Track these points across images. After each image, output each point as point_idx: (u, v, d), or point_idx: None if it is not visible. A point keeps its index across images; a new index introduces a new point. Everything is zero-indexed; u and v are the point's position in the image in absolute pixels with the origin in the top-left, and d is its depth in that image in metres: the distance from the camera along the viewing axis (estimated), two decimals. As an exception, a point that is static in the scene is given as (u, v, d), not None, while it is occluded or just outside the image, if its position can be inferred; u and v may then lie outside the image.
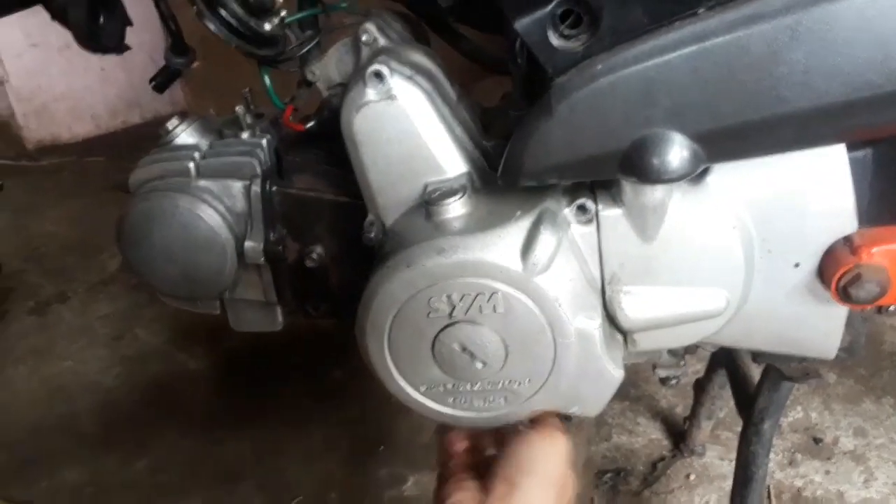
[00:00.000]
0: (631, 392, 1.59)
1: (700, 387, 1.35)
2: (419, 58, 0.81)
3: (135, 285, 2.03)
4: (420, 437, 1.51)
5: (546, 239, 0.71)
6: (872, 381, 1.58)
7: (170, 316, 1.89)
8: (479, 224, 0.73)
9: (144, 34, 2.92)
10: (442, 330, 0.75)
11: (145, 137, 0.97)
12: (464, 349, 0.76)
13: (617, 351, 0.81)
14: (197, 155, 0.91)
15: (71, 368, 1.74)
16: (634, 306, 0.78)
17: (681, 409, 1.54)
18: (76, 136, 3.36)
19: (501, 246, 0.71)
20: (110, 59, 3.20)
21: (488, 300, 0.73)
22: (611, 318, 0.80)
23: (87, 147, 3.18)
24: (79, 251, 2.21)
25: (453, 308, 0.74)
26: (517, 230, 0.72)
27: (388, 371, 0.80)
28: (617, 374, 0.78)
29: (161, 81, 1.09)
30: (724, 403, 1.42)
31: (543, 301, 0.72)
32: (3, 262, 2.03)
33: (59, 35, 3.30)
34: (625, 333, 0.82)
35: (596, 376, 0.78)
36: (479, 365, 0.76)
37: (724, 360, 1.20)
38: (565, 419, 0.85)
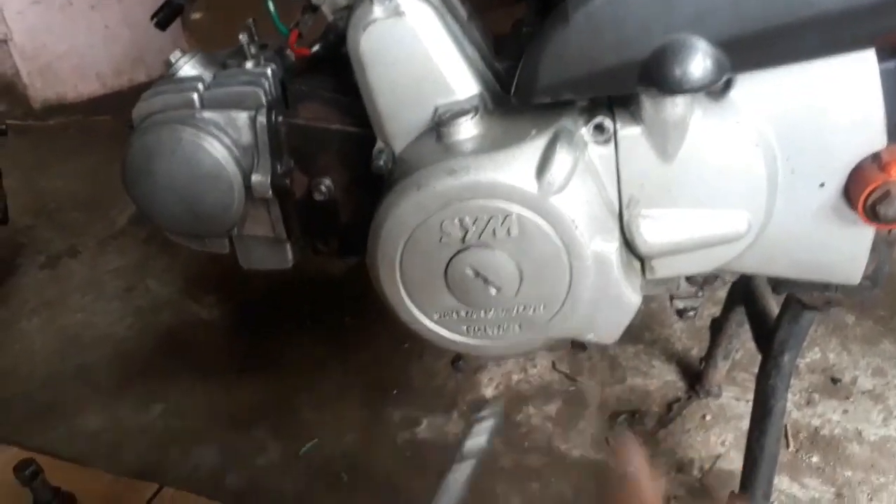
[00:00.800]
0: (646, 335, 1.57)
1: (717, 326, 1.33)
2: (427, -26, 0.78)
3: (144, 239, 2.02)
4: (433, 382, 1.50)
5: (562, 157, 0.68)
6: (892, 322, 1.55)
7: (181, 267, 1.88)
8: (492, 144, 0.71)
9: (149, -9, 2.88)
10: (455, 255, 0.73)
11: None
12: (477, 275, 0.74)
13: (634, 277, 0.79)
14: (200, 86, 0.89)
15: (83, 320, 1.74)
16: (653, 230, 0.76)
17: (696, 351, 1.52)
18: (82, 95, 3.33)
19: (515, 165, 0.69)
20: (114, 17, 3.15)
21: (502, 223, 0.71)
22: (628, 244, 0.78)
23: (93, 106, 3.15)
24: (88, 206, 2.20)
25: (466, 232, 0.72)
26: (532, 149, 0.69)
27: (401, 299, 0.78)
28: (634, 300, 0.77)
29: (163, 17, 1.06)
30: (740, 344, 1.40)
31: (559, 223, 0.70)
32: (13, 219, 2.03)
33: (60, -9, 3.22)
34: (642, 260, 0.80)
35: (613, 302, 0.76)
36: (493, 291, 0.75)
37: (743, 295, 1.18)
38: (581, 347, 0.83)
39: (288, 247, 0.98)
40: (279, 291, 1.75)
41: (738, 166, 0.73)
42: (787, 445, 1.31)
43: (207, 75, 0.91)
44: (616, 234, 0.74)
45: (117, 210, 2.16)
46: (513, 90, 0.70)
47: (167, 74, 0.93)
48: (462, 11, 0.80)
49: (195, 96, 0.88)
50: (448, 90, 0.75)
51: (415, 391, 1.49)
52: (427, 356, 1.56)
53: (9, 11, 2.97)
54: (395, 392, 1.49)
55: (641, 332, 1.58)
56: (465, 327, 0.79)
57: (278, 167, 0.89)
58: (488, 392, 1.48)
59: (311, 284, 1.76)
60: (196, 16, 2.41)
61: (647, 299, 1.85)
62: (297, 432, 1.41)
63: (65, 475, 1.25)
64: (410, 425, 1.42)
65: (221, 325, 1.69)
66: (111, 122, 2.94)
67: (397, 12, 0.72)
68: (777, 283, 0.93)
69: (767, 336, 1.03)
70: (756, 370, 1.46)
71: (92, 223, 2.12)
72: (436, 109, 0.75)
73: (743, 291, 1.16)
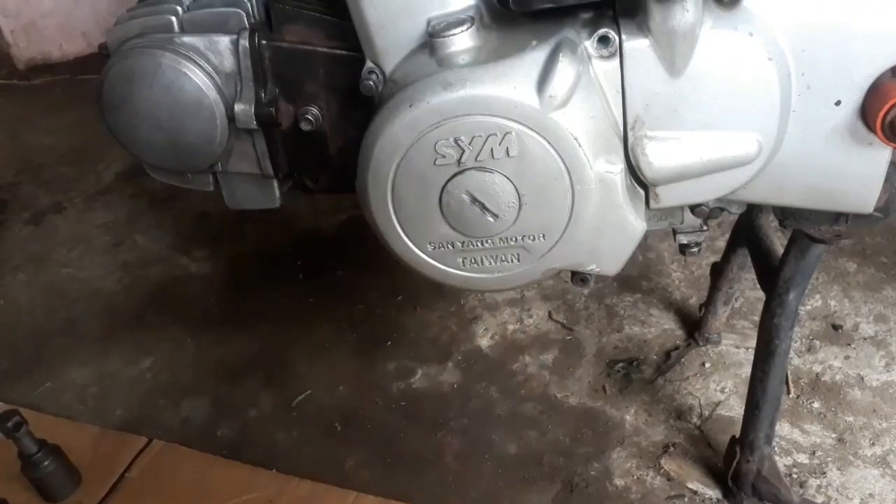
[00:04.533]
0: (643, 284, 1.54)
1: (717, 270, 1.30)
2: None
3: (132, 195, 1.97)
4: (427, 333, 1.47)
5: (565, 69, 0.64)
6: (895, 269, 1.52)
7: (170, 222, 1.83)
8: (490, 56, 0.66)
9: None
10: (450, 179, 0.69)
11: None
12: (474, 200, 0.70)
13: (639, 204, 0.75)
14: (179, 9, 0.84)
15: (70, 275, 1.70)
16: (660, 153, 0.72)
17: (694, 300, 1.50)
18: (67, 55, 3.25)
19: (515, 78, 0.64)
20: (98, -25, 3.06)
21: (500, 142, 0.66)
22: (632, 169, 0.74)
23: (79, 65, 3.07)
24: (74, 162, 2.14)
25: (462, 153, 0.68)
26: (532, 61, 0.65)
27: (393, 229, 0.74)
28: (639, 227, 0.73)
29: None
30: (741, 291, 1.37)
31: (561, 140, 0.66)
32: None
33: (42, -53, 3.12)
34: (647, 188, 0.76)
35: (616, 228, 0.72)
36: (490, 218, 0.71)
37: (746, 235, 1.14)
38: (582, 282, 0.80)
39: (275, 184, 0.94)
40: (271, 245, 1.71)
41: (750, 82, 0.68)
42: (788, 392, 1.28)
43: (186, -3, 0.86)
44: (620, 154, 0.70)
45: (104, 165, 2.10)
46: (511, -3, 0.65)
47: None
48: (456, -81, 0.74)
49: (174, 19, 0.83)
50: (442, 2, 0.70)
51: (409, 342, 1.46)
52: (421, 308, 1.53)
53: (-10, -33, 2.88)
54: (388, 343, 1.46)
55: (639, 281, 1.55)
56: (460, 259, 0.75)
57: (262, 95, 0.84)
58: (483, 342, 1.45)
59: (303, 237, 1.72)
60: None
61: (644, 247, 1.83)
62: (289, 383, 1.39)
63: (50, 428, 1.22)
64: (405, 376, 1.39)
65: (212, 280, 1.65)
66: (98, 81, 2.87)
67: (388, -82, 0.67)
68: (784, 216, 0.90)
69: (772, 274, 0.99)
70: (755, 318, 1.44)
71: (78, 179, 2.07)
72: (429, 22, 0.71)
73: (747, 230, 1.13)
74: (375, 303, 1.55)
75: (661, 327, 1.45)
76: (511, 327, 1.47)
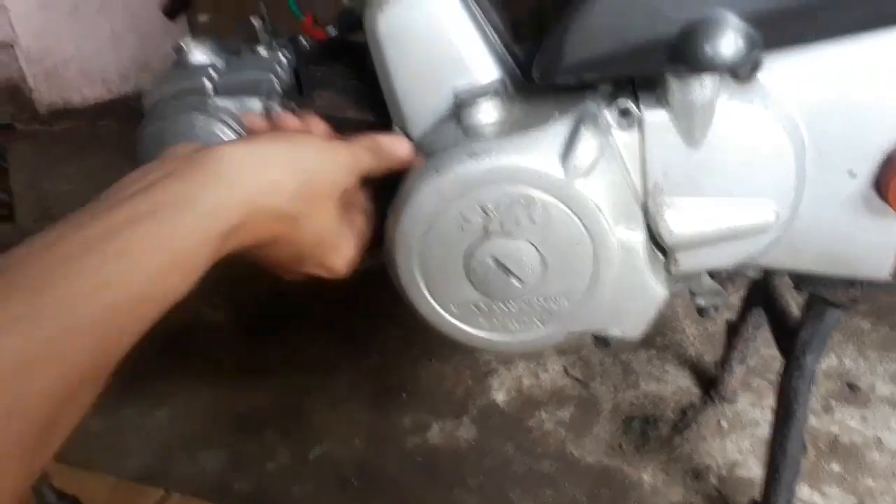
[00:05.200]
0: (658, 340, 1.54)
1: (733, 329, 1.31)
2: (447, -45, 0.76)
3: (150, 242, 2.00)
4: (442, 385, 1.48)
5: (588, 141, 0.66)
6: (910, 329, 1.53)
7: (186, 270, 1.86)
8: (514, 127, 0.69)
9: (156, -3, 2.88)
10: (475, 244, 0.71)
11: None
12: (498, 264, 0.72)
13: (659, 270, 0.76)
14: (213, 72, 0.87)
15: (88, 322, 1.72)
16: (678, 219, 0.73)
17: (709, 357, 1.50)
18: (87, 100, 3.33)
19: (539, 148, 0.66)
20: (121, 23, 3.15)
21: (525, 209, 0.68)
22: (652, 235, 0.75)
23: (98, 111, 3.15)
24: (93, 210, 2.19)
25: (487, 219, 0.69)
26: (556, 132, 0.67)
27: (419, 290, 0.76)
28: (661, 292, 0.74)
29: (172, 7, 1.04)
30: (755, 349, 1.38)
31: (584, 208, 0.67)
32: (18, 221, 2.01)
33: (67, -4, 3.23)
34: (666, 253, 0.77)
35: (638, 292, 0.73)
36: (514, 282, 0.72)
37: (762, 296, 1.15)
38: (603, 344, 0.81)
39: (299, 241, 0.96)
40: (287, 292, 1.72)
41: (766, 152, 0.70)
42: (806, 453, 1.27)
43: (219, 62, 0.89)
44: (641, 221, 0.71)
45: (122, 213, 2.14)
46: (534, 69, 0.68)
47: (178, 60, 0.91)
48: (482, -5, 0.78)
49: (207, 83, 0.86)
50: (468, 73, 0.73)
51: (424, 395, 1.46)
52: (436, 360, 1.54)
53: (15, 15, 2.97)
54: (404, 395, 1.47)
55: (653, 336, 1.55)
56: (485, 321, 0.76)
57: (291, 157, 0.86)
58: (499, 397, 1.45)
59: (319, 285, 1.73)
60: (203, 18, 2.41)
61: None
62: (305, 436, 1.39)
63: (68, 478, 1.22)
64: (420, 430, 1.39)
65: (228, 326, 1.67)
66: (117, 127, 2.94)
67: (418, -10, 0.70)
68: (800, 280, 0.91)
69: (789, 337, 1.00)
70: (771, 376, 1.45)
71: (97, 226, 2.10)
72: (455, 93, 0.73)
73: (762, 292, 1.14)
74: (391, 353, 1.56)
75: (677, 384, 1.45)
76: (527, 382, 1.47)
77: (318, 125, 0.69)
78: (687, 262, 0.78)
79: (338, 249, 0.66)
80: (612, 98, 0.71)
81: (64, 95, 3.21)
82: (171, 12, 1.01)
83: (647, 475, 1.27)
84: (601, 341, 0.81)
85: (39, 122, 3.07)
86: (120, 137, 2.73)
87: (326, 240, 0.63)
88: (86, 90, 3.24)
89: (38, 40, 3.05)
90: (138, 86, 3.41)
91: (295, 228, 0.59)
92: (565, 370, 1.49)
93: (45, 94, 3.17)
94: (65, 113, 3.14)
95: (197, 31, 2.72)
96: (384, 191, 0.85)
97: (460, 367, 1.51)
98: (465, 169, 0.67)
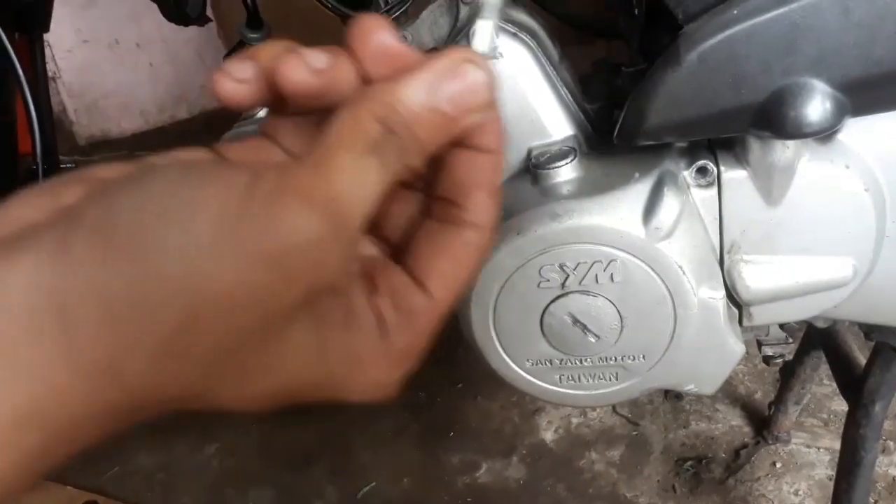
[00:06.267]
0: (707, 378, 1.53)
1: (789, 370, 1.29)
2: (521, 15, 0.77)
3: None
4: (490, 423, 1.47)
5: (670, 202, 0.66)
6: (964, 366, 1.50)
7: (230, 304, 1.88)
8: (594, 187, 0.69)
9: (193, 30, 2.93)
10: (553, 301, 0.71)
11: (193, 132, 0.95)
12: (576, 321, 0.72)
13: (736, 325, 0.76)
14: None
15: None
16: (756, 276, 0.73)
17: (760, 395, 1.48)
18: (125, 132, 3.39)
19: (622, 209, 0.67)
20: (158, 56, 3.21)
21: (605, 268, 0.68)
22: (728, 291, 0.75)
23: (136, 142, 3.20)
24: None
25: (566, 277, 0.70)
26: (637, 193, 0.67)
27: (493, 346, 0.76)
28: (738, 349, 0.74)
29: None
30: (809, 389, 1.36)
31: (666, 269, 0.68)
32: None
33: (110, 31, 3.31)
34: (740, 306, 0.77)
35: (716, 351, 0.73)
36: (591, 339, 0.72)
37: (821, 340, 1.14)
38: (676, 397, 0.80)
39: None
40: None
41: (846, 212, 0.70)
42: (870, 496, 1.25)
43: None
44: (721, 280, 0.71)
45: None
46: (616, 132, 0.68)
47: (248, 115, 0.92)
48: (554, 52, 0.79)
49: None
50: (543, 132, 0.74)
51: (472, 433, 1.46)
52: (482, 398, 1.54)
53: (58, 50, 3.04)
54: (451, 434, 1.46)
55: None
56: (558, 376, 0.76)
57: (360, 208, 0.88)
58: (548, 436, 1.44)
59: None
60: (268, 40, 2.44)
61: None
62: (353, 474, 1.39)
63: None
64: (469, 469, 1.39)
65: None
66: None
67: (496, 54, 0.71)
68: (870, 329, 0.90)
69: (856, 384, 0.99)
70: (824, 415, 1.43)
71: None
72: (530, 151, 0.74)
73: (823, 337, 1.12)
74: (436, 391, 1.56)
75: (729, 423, 1.43)
76: (575, 420, 1.46)
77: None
78: (761, 315, 0.77)
79: (349, 377, 0.33)
80: (689, 156, 0.71)
81: (103, 127, 3.27)
82: (236, 62, 1.03)
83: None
84: (673, 394, 0.80)
85: (79, 153, 3.13)
86: (158, 167, 2.78)
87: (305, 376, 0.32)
88: (124, 122, 3.30)
89: (80, 75, 3.11)
90: (174, 116, 3.47)
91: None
92: (613, 408, 1.48)
93: (86, 126, 3.23)
94: (103, 144, 3.20)
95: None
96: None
97: (507, 404, 1.51)
98: (547, 229, 0.68)
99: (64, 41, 3.12)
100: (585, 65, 0.98)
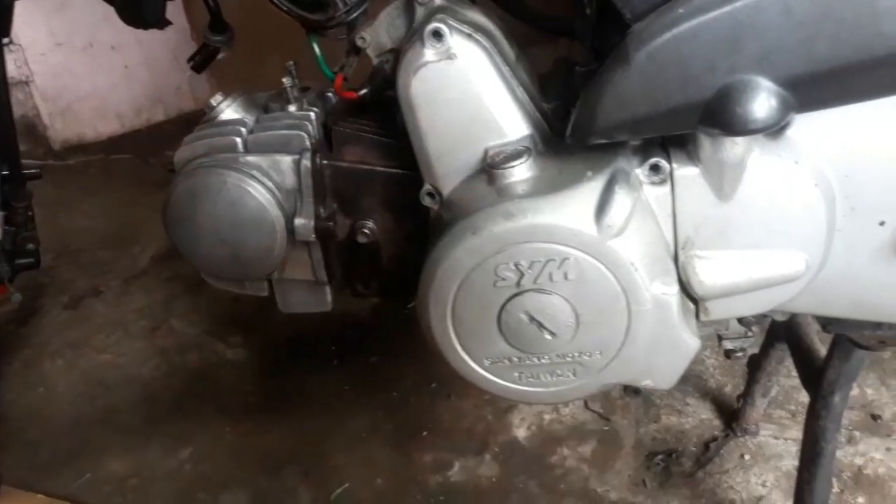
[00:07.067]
0: (678, 373, 1.54)
1: (755, 363, 1.31)
2: (477, 16, 0.78)
3: (168, 278, 2.01)
4: (462, 422, 1.48)
5: (621, 199, 0.67)
6: (930, 357, 1.52)
7: (205, 307, 1.87)
8: (548, 187, 0.70)
9: (168, 31, 2.90)
10: (509, 300, 0.72)
11: (170, 135, 0.95)
12: (532, 319, 0.72)
13: (691, 320, 0.77)
14: (243, 130, 0.89)
15: (108, 361, 1.72)
16: (710, 272, 0.74)
17: (730, 388, 1.50)
18: (101, 135, 3.36)
19: (574, 208, 0.68)
20: (134, 58, 3.18)
21: (559, 266, 0.69)
22: (683, 286, 0.76)
23: (112, 145, 3.17)
24: (110, 246, 2.20)
25: (522, 276, 0.70)
26: (590, 191, 0.68)
27: (451, 345, 0.77)
28: (693, 344, 0.75)
29: (199, 61, 1.06)
30: (777, 381, 1.38)
31: (618, 266, 0.68)
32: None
33: (84, 34, 3.28)
34: (696, 301, 0.78)
35: (671, 346, 0.74)
36: (547, 336, 0.73)
37: (785, 333, 1.15)
38: (634, 392, 0.81)
39: (328, 290, 0.97)
40: (304, 331, 1.73)
41: (797, 207, 0.71)
42: (831, 486, 1.27)
43: (250, 119, 0.91)
44: (675, 276, 0.72)
45: (140, 248, 2.16)
46: (568, 131, 0.69)
47: (209, 117, 0.92)
48: (510, 52, 0.79)
49: (239, 140, 0.87)
50: (499, 132, 0.74)
51: (445, 432, 1.46)
52: (455, 396, 1.54)
53: (31, 53, 3.01)
54: (424, 433, 1.47)
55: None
56: (517, 374, 0.77)
57: (321, 210, 0.88)
58: (520, 433, 1.45)
59: (336, 324, 1.74)
60: (219, 56, 2.44)
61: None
62: (327, 476, 1.39)
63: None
64: (442, 468, 1.39)
65: (248, 366, 1.67)
66: (131, 160, 2.96)
67: (449, 55, 0.72)
68: (827, 322, 0.92)
69: (816, 376, 1.00)
70: (792, 407, 1.45)
71: (114, 262, 2.12)
72: (486, 151, 0.75)
73: (786, 330, 1.14)
74: (410, 390, 1.56)
75: (699, 417, 1.45)
76: (547, 417, 1.47)
77: None
78: (717, 310, 0.78)
79: None
80: (642, 153, 0.72)
81: (78, 131, 3.24)
82: (198, 66, 1.03)
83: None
84: (631, 390, 0.81)
85: (54, 157, 3.10)
86: (134, 170, 2.76)
87: None
88: (99, 125, 3.27)
89: (53, 78, 3.08)
90: (150, 119, 3.45)
91: None
92: (585, 404, 1.49)
93: (60, 130, 3.20)
94: (79, 148, 3.16)
95: (212, 68, 2.75)
96: (411, 243, 0.86)
97: (480, 403, 1.51)
98: (502, 229, 0.68)
99: (37, 44, 3.09)
100: (549, 64, 0.99)
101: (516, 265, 0.70)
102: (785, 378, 1.44)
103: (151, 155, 2.83)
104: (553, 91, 0.83)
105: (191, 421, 1.53)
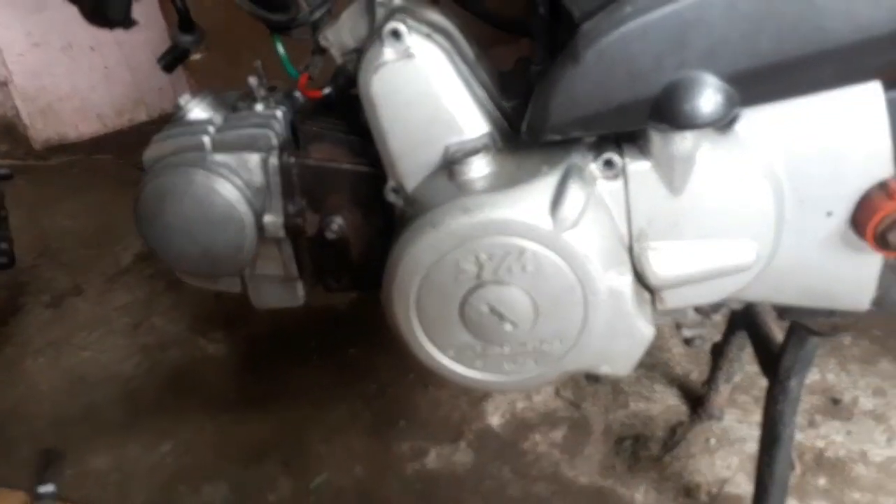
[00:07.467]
0: (645, 360, 1.55)
1: (718, 350, 1.34)
2: (436, 16, 0.80)
3: (150, 276, 2.02)
4: (439, 411, 1.51)
5: (575, 194, 0.70)
6: (889, 342, 1.56)
7: (187, 304, 1.88)
8: (505, 182, 0.72)
9: (149, 31, 2.90)
10: (470, 292, 0.75)
11: (152, 135, 0.96)
12: (492, 311, 0.75)
13: (646, 309, 0.80)
14: (211, 129, 0.91)
15: (90, 358, 1.74)
16: (663, 262, 0.77)
17: (696, 375, 1.54)
18: (83, 135, 3.35)
19: (529, 202, 0.70)
20: (113, 59, 3.18)
21: (517, 259, 0.72)
22: (638, 277, 0.79)
23: (94, 145, 3.17)
24: (92, 245, 2.20)
25: (481, 269, 0.73)
26: (544, 186, 0.71)
27: (416, 337, 0.79)
28: (648, 332, 0.78)
29: (169, 61, 1.07)
30: (740, 367, 1.41)
31: (573, 258, 0.71)
32: (17, 258, 2.03)
33: (62, 34, 3.26)
34: (652, 291, 0.81)
35: (627, 334, 0.77)
36: (508, 326, 0.76)
37: (744, 321, 1.19)
38: (594, 380, 0.84)
39: (299, 285, 0.99)
40: (285, 326, 1.76)
41: (746, 199, 0.74)
42: (793, 468, 1.31)
43: (218, 118, 0.93)
44: (628, 267, 0.75)
45: (121, 246, 2.16)
46: (523, 129, 0.72)
47: (177, 117, 0.94)
48: (470, 52, 0.82)
49: (206, 139, 0.89)
50: (458, 130, 0.77)
51: (422, 421, 1.49)
52: (432, 386, 1.57)
53: (9, 54, 3.00)
54: (402, 423, 1.50)
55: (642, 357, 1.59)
56: (480, 363, 0.80)
57: (290, 207, 0.90)
58: (494, 420, 1.48)
59: (316, 318, 1.76)
60: (196, 56, 2.45)
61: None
62: (306, 466, 1.41)
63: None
64: (419, 456, 1.42)
65: (229, 361, 1.69)
66: (113, 161, 2.96)
67: (408, 54, 0.74)
68: (782, 310, 0.95)
69: (773, 361, 1.04)
70: (756, 392, 1.48)
71: (96, 261, 2.13)
72: (447, 148, 0.77)
73: (745, 317, 1.17)
74: (388, 381, 1.59)
75: (666, 403, 1.48)
76: (520, 405, 1.50)
77: None
78: (672, 300, 0.81)
79: None
80: (596, 149, 0.75)
81: (59, 131, 3.23)
82: (168, 66, 1.05)
83: (640, 494, 1.30)
84: (592, 377, 0.84)
85: (35, 157, 3.09)
86: (116, 171, 2.76)
87: None
88: (81, 125, 3.26)
89: (33, 78, 3.07)
90: (133, 119, 3.44)
91: None
92: (556, 391, 1.52)
93: (41, 130, 3.19)
94: (60, 148, 3.16)
95: (190, 69, 2.75)
96: (380, 237, 0.88)
97: (456, 392, 1.54)
98: (460, 223, 0.71)
99: (15, 45, 3.08)
100: (511, 63, 1.01)
101: (476, 258, 0.72)
102: (749, 364, 1.48)
103: (133, 155, 2.83)
104: (513, 89, 0.86)
105: (172, 416, 1.55)
